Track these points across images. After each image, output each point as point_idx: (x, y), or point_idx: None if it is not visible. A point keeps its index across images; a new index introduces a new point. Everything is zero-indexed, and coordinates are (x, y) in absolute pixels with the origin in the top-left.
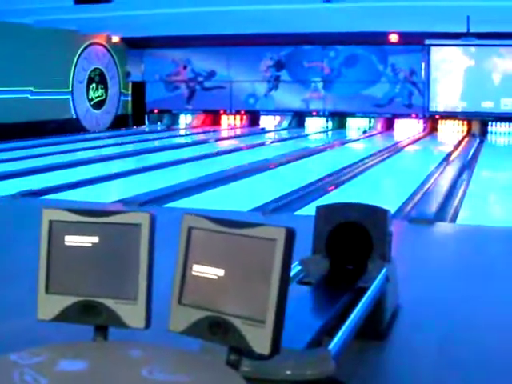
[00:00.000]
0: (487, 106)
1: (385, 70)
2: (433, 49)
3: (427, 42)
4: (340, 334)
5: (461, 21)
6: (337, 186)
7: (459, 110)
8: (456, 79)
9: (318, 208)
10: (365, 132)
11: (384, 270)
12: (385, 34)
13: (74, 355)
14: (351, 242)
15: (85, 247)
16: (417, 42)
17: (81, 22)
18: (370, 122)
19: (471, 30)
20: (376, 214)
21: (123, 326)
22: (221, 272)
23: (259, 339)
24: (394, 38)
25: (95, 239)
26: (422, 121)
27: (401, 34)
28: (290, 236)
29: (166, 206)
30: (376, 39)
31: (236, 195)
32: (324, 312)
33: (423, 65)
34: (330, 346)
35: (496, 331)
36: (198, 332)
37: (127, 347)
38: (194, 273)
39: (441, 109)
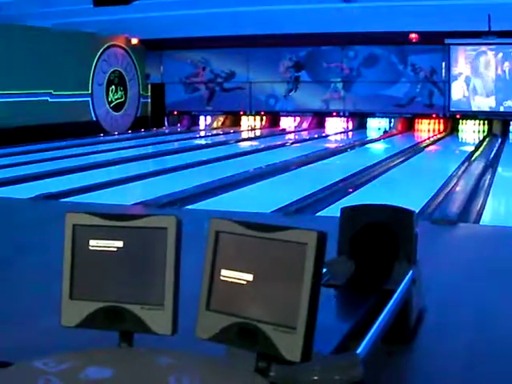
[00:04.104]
0: (508, 105)
1: (405, 70)
2: (453, 48)
3: (447, 41)
4: (368, 337)
5: (481, 19)
6: (358, 187)
7: (480, 109)
8: (478, 79)
9: (343, 209)
10: (385, 132)
11: (410, 272)
12: (404, 34)
13: (99, 362)
14: (377, 244)
15: (109, 252)
16: (437, 41)
17: (100, 24)
18: (390, 122)
19: (492, 29)
20: (402, 216)
21: (149, 333)
22: (249, 277)
23: (290, 346)
24: (413, 37)
25: (120, 243)
26: (442, 121)
27: (420, 34)
28: (322, 240)
29: (187, 207)
30: (395, 39)
31: (257, 196)
32: (351, 315)
33: (443, 64)
34: (358, 351)
35: None
36: (227, 339)
37: (154, 354)
38: (222, 278)
39: (461, 108)
